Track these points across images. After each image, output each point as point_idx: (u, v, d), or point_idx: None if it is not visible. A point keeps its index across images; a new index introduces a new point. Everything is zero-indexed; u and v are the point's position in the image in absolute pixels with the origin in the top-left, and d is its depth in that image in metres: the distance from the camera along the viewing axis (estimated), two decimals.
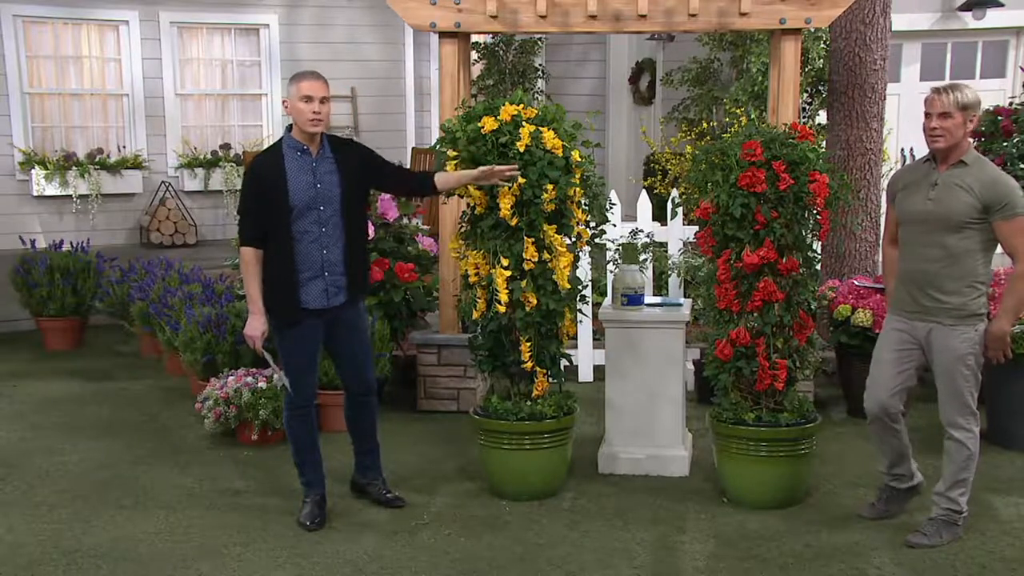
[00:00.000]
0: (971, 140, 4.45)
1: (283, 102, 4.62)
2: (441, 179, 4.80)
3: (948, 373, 4.41)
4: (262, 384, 5.92)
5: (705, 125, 9.50)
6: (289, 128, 4.63)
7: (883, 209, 7.32)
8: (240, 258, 4.64)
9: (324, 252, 4.58)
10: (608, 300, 6.12)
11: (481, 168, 4.69)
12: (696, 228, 5.15)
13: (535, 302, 4.84)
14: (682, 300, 5.70)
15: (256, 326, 4.63)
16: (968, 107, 4.31)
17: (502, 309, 4.84)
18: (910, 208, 4.49)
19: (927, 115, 4.38)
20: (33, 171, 10.01)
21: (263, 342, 4.66)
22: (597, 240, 5.24)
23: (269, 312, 4.65)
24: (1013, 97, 7.09)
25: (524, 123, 4.79)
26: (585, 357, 7.16)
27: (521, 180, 4.72)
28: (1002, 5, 10.41)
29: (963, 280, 4.36)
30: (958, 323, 4.38)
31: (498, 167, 4.64)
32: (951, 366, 4.40)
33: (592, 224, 5.14)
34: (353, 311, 4.74)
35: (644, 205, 7.02)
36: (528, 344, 4.91)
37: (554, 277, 4.85)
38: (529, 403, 5.03)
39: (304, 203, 4.52)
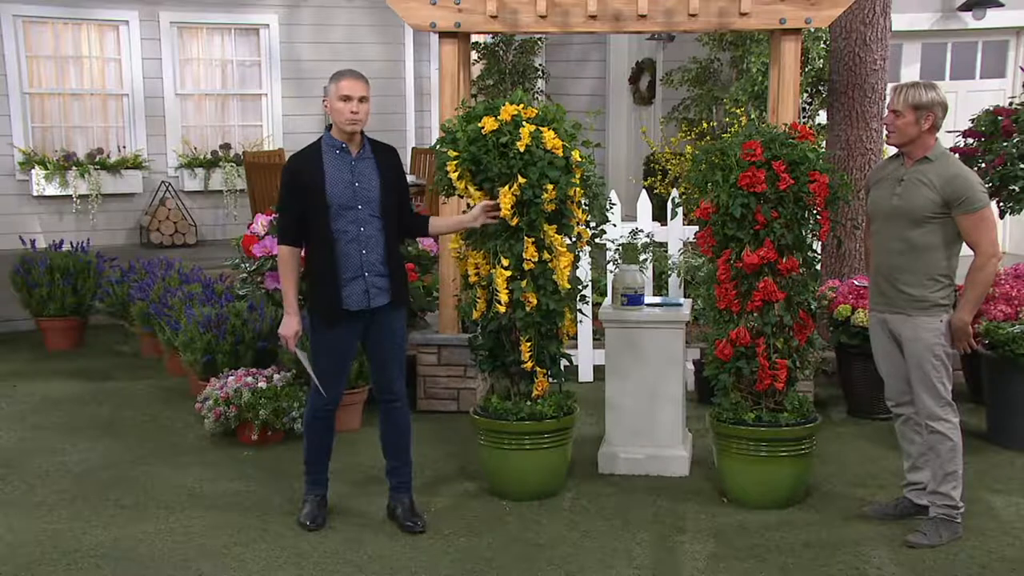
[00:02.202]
0: (937, 137, 4.52)
1: (323, 101, 4.55)
2: (434, 224, 4.87)
3: (918, 364, 4.48)
4: (262, 384, 5.92)
5: (705, 125, 9.51)
6: (329, 127, 4.60)
7: None
8: (278, 257, 4.64)
9: (363, 252, 4.53)
10: (608, 300, 6.12)
11: (474, 211, 4.73)
12: (696, 228, 5.15)
13: (535, 302, 4.84)
14: (682, 300, 5.70)
15: (291, 325, 4.60)
16: (921, 107, 4.41)
17: (502, 309, 4.84)
18: (878, 203, 4.62)
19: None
20: (33, 171, 10.02)
21: (296, 341, 4.64)
22: (597, 240, 5.24)
23: (309, 310, 4.63)
24: (1013, 97, 7.08)
25: (524, 123, 4.79)
26: (585, 357, 7.16)
27: (521, 180, 4.72)
28: (1002, 5, 10.42)
29: (925, 273, 4.45)
30: (922, 313, 4.46)
31: (486, 207, 4.70)
32: (920, 356, 4.47)
33: (592, 224, 5.14)
34: (392, 315, 4.66)
35: (644, 205, 7.02)
36: (528, 344, 4.91)
37: (554, 277, 4.85)
38: (529, 403, 5.03)
39: (341, 201, 4.48)
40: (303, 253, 4.62)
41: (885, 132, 4.57)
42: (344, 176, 4.51)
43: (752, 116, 8.45)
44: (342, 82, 4.48)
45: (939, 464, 4.52)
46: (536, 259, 4.79)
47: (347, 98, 4.46)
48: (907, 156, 4.52)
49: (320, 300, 4.57)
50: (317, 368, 4.66)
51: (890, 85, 6.11)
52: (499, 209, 4.71)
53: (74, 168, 10.12)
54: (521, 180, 4.72)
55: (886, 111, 4.57)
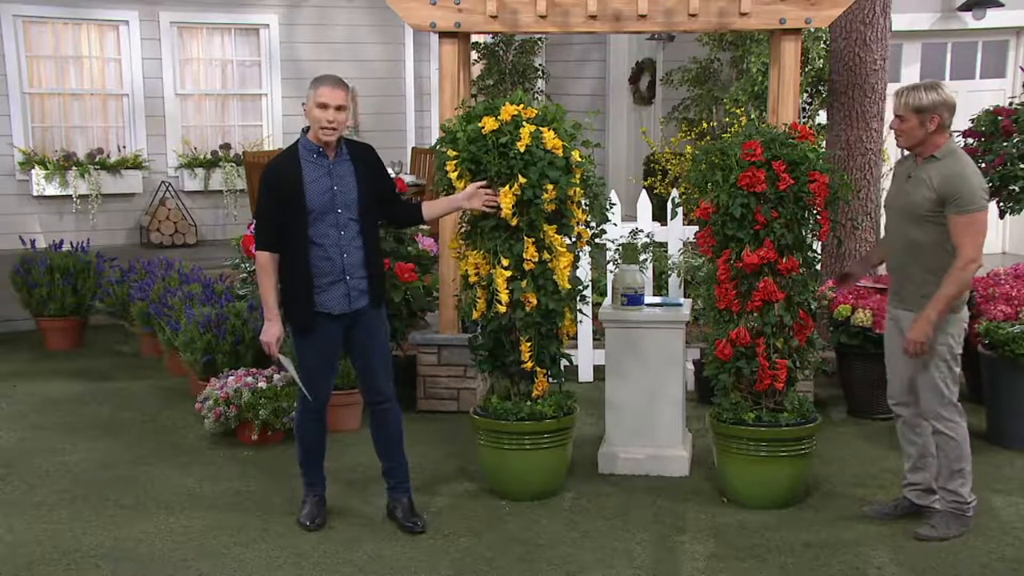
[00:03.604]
0: (951, 135, 4.49)
1: (303, 104, 4.52)
2: (428, 208, 4.83)
3: (924, 362, 4.47)
4: (262, 384, 5.92)
5: (705, 125, 9.51)
6: (306, 130, 4.58)
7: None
8: (256, 262, 4.62)
9: (344, 256, 4.51)
10: (608, 300, 6.12)
11: (467, 189, 4.71)
12: (696, 228, 5.16)
13: (535, 302, 4.84)
14: (682, 300, 5.70)
15: (272, 332, 4.58)
16: (923, 110, 4.37)
17: (502, 309, 4.84)
18: (889, 200, 4.65)
19: None
20: (33, 171, 10.01)
21: (278, 347, 4.62)
22: (597, 240, 5.24)
23: (287, 317, 4.61)
24: (1013, 97, 7.08)
25: (524, 123, 4.79)
26: (585, 357, 7.16)
27: (521, 180, 4.72)
28: (1002, 5, 10.41)
29: (931, 272, 4.42)
30: None
31: (482, 189, 4.69)
32: (927, 356, 4.45)
33: (592, 224, 5.14)
34: (373, 315, 4.65)
35: (644, 205, 7.02)
36: (528, 344, 4.91)
37: (554, 277, 4.85)
38: (529, 403, 5.03)
39: (321, 206, 4.46)
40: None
41: (894, 135, 4.54)
42: (323, 181, 4.49)
43: (752, 116, 8.45)
44: (321, 88, 4.43)
45: (946, 463, 4.54)
46: (536, 259, 4.79)
47: (324, 106, 4.41)
48: (917, 155, 4.51)
49: (298, 306, 4.55)
50: (303, 371, 4.66)
51: (893, 85, 6.10)
52: (495, 195, 4.71)
53: (74, 168, 10.11)
54: (521, 180, 4.72)
55: (892, 114, 4.54)
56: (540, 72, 11.13)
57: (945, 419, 4.49)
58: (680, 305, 5.54)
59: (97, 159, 10.29)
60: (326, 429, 4.84)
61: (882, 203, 4.97)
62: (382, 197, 4.71)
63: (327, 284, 4.52)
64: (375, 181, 4.65)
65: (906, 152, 4.67)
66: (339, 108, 4.44)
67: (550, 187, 4.72)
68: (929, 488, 4.75)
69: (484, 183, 4.74)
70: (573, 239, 4.98)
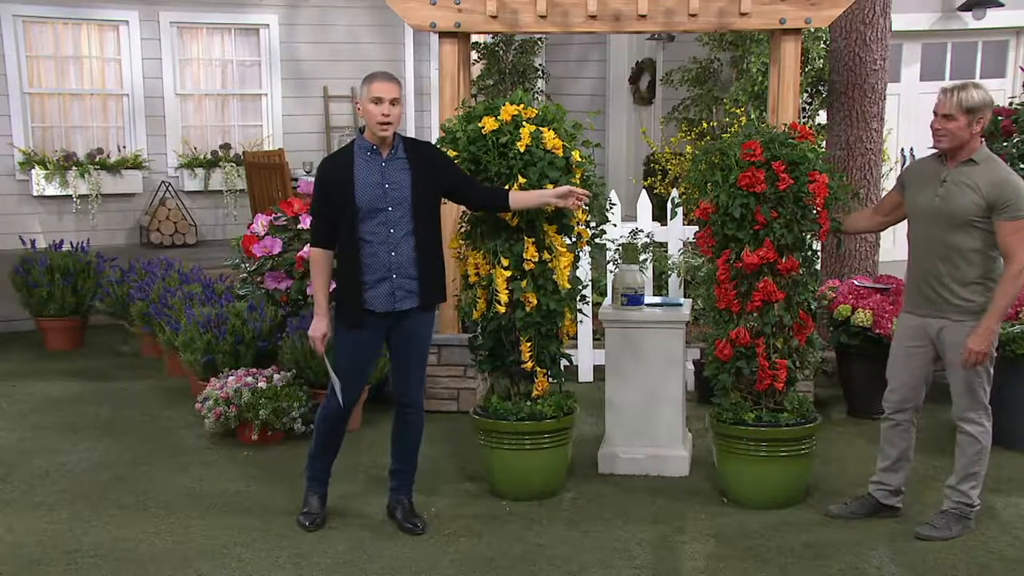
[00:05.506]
0: (982, 140, 4.45)
1: (354, 103, 4.55)
2: (515, 198, 4.68)
3: (961, 369, 4.43)
4: (262, 384, 5.92)
5: (705, 125, 9.51)
6: (362, 130, 4.58)
7: None
8: (309, 258, 4.64)
9: (392, 254, 4.48)
10: (608, 300, 6.12)
11: (560, 188, 4.67)
12: (696, 228, 5.16)
13: (535, 302, 4.84)
14: (682, 300, 5.70)
15: (319, 327, 4.58)
16: (973, 109, 4.32)
17: (502, 309, 4.84)
18: (918, 204, 4.54)
19: (934, 114, 4.42)
20: (33, 171, 10.02)
21: (324, 344, 4.60)
22: (597, 240, 5.24)
23: (335, 310, 4.62)
24: (1013, 97, 7.09)
25: (524, 123, 4.79)
26: (585, 357, 7.16)
27: (521, 180, 4.72)
28: (1002, 5, 10.42)
29: (970, 278, 4.38)
30: (968, 319, 4.40)
31: (577, 189, 4.66)
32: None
33: (592, 224, 5.14)
34: (419, 319, 4.62)
35: (644, 205, 7.02)
36: (528, 344, 4.91)
37: (554, 277, 4.85)
38: (529, 403, 5.03)
39: (370, 204, 4.44)
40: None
41: (935, 135, 4.42)
42: (373, 178, 4.47)
43: (752, 116, 8.45)
44: (374, 84, 4.43)
45: (963, 464, 4.54)
46: (536, 259, 4.79)
47: (378, 100, 4.41)
48: (951, 157, 4.43)
49: (345, 301, 4.56)
50: (338, 367, 4.64)
51: (893, 85, 6.09)
52: (587, 193, 4.71)
53: (74, 168, 10.12)
54: (521, 180, 4.72)
55: (933, 114, 4.42)
56: (540, 72, 11.13)
57: (975, 422, 4.50)
58: (680, 305, 5.54)
59: (97, 159, 10.30)
60: (345, 430, 4.82)
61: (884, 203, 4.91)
62: (450, 189, 4.66)
63: (374, 281, 4.50)
64: (436, 177, 4.58)
65: (912, 159, 4.64)
66: (393, 101, 4.43)
67: (550, 187, 4.72)
68: (898, 490, 4.77)
69: (568, 188, 4.68)
70: (573, 239, 4.98)
